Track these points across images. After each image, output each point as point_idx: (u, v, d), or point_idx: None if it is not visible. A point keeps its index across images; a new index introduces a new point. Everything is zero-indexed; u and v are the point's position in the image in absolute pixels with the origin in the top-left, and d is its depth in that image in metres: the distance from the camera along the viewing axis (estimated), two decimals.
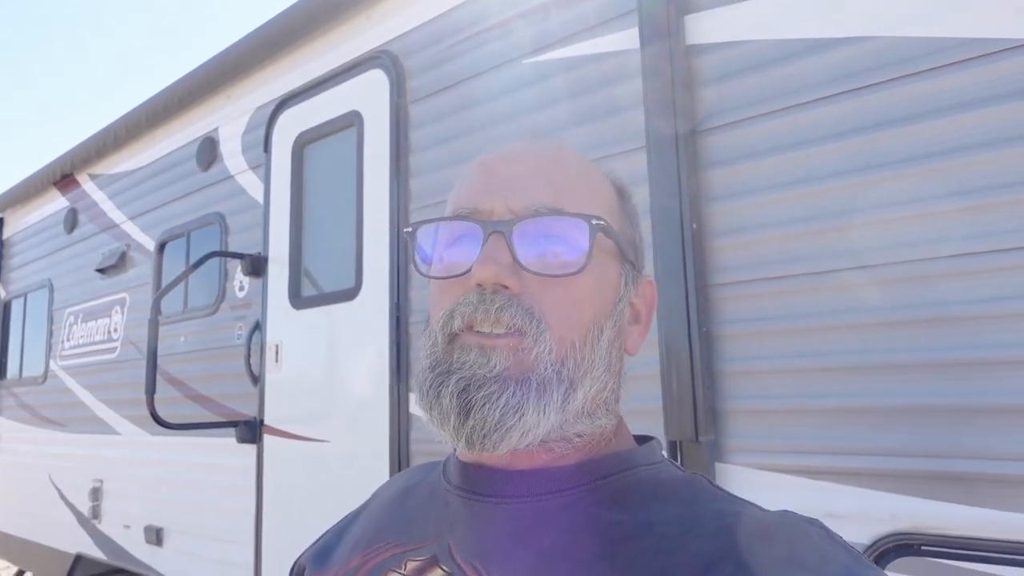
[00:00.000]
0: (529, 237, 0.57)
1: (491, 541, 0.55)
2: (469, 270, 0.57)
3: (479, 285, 0.56)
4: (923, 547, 1.21)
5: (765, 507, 0.55)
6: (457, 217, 0.60)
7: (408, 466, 2.04)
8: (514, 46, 1.94)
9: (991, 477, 1.16)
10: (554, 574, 0.51)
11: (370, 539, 0.64)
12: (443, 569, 0.55)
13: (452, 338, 0.56)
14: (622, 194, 0.66)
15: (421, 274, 0.62)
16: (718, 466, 1.46)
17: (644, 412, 1.56)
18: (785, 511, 0.53)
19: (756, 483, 1.41)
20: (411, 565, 0.58)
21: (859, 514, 1.28)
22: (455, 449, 0.65)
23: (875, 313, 1.30)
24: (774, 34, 1.47)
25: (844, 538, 0.52)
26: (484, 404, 0.52)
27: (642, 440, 0.64)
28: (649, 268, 1.55)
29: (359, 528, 0.68)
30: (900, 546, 1.22)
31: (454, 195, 0.63)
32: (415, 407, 2.05)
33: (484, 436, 0.53)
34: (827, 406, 1.34)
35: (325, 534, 0.72)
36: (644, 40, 1.63)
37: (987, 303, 1.18)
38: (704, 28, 1.57)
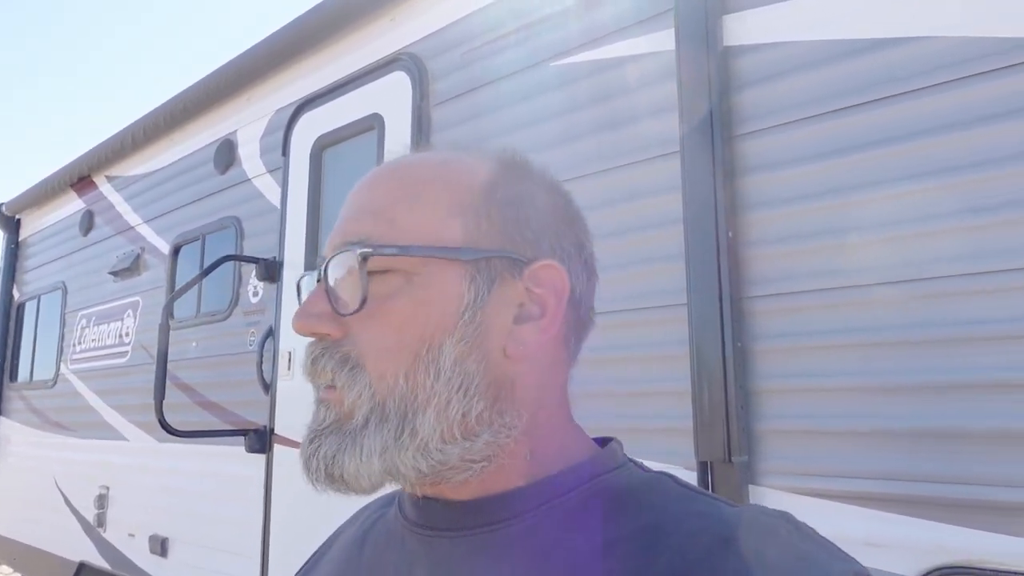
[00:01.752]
0: (332, 278, 0.55)
1: None
2: None
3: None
4: None
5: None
6: (311, 266, 0.58)
7: None
8: (541, 48, 1.88)
9: None
10: None
11: None
12: None
13: (316, 392, 0.57)
14: (504, 178, 0.58)
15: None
16: (751, 488, 1.38)
17: (673, 431, 1.48)
18: (753, 506, 0.53)
19: (793, 508, 1.31)
20: None
21: (904, 544, 1.19)
22: None
23: (922, 329, 1.22)
24: (817, 35, 1.40)
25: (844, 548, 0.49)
26: (314, 455, 0.53)
27: (604, 442, 0.60)
28: (680, 279, 1.48)
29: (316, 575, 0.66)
30: None
31: None
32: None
33: (325, 483, 0.53)
34: (872, 428, 1.26)
35: None
36: (680, 41, 1.57)
37: None
38: (743, 29, 1.51)
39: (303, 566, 0.69)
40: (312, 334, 0.55)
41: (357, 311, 0.53)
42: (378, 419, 0.52)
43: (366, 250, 0.53)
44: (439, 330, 0.53)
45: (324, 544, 0.70)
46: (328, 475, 0.52)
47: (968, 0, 1.23)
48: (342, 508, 2.32)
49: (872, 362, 1.27)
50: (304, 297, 0.59)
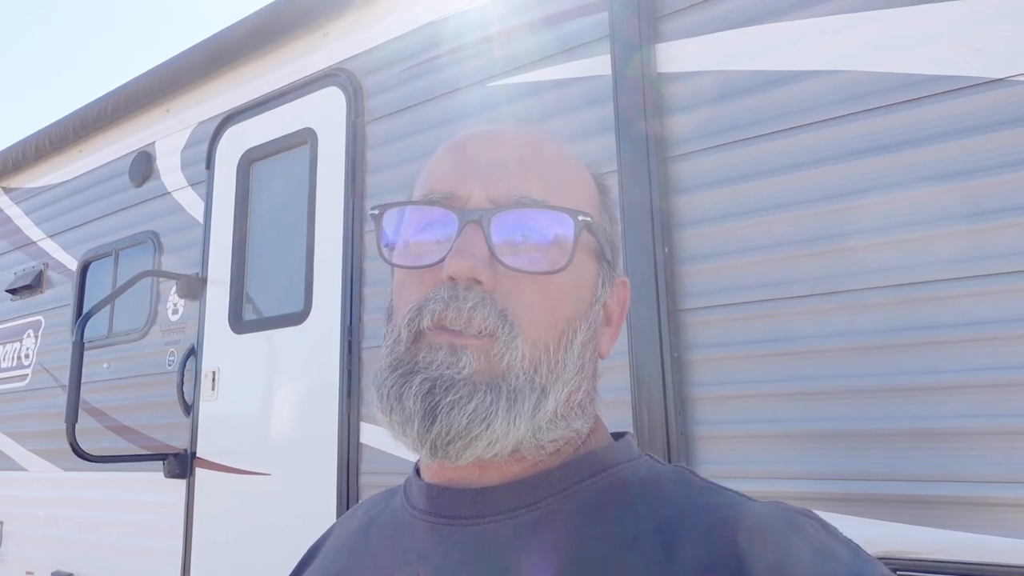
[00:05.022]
0: (508, 229, 0.53)
1: (466, 569, 0.50)
2: (441, 260, 0.52)
3: (451, 278, 0.51)
4: (899, 572, 1.21)
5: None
6: (430, 202, 0.55)
7: (357, 500, 1.93)
8: (480, 68, 1.92)
9: (962, 500, 1.17)
10: None
11: None
12: None
13: (418, 335, 0.52)
14: (602, 188, 0.62)
15: (385, 260, 0.57)
16: None
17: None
18: (777, 502, 0.51)
19: None
20: None
21: None
22: (416, 470, 0.60)
23: (843, 338, 1.31)
24: (742, 65, 1.51)
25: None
26: (452, 408, 0.48)
27: (617, 436, 0.60)
28: None
29: (318, 570, 0.62)
30: None
31: (425, 177, 0.58)
32: (367, 437, 1.96)
33: (448, 443, 0.49)
34: (798, 431, 1.34)
35: None
36: (616, 66, 1.64)
37: (952, 328, 1.21)
38: (675, 57, 1.59)
39: (295, 568, 0.66)
40: (469, 279, 0.51)
41: (549, 273, 0.52)
42: (529, 387, 0.50)
43: (587, 219, 0.54)
44: (578, 314, 0.55)
45: (314, 545, 0.68)
46: (463, 432, 0.48)
47: (876, 38, 1.36)
48: (269, 529, 2.25)
49: (799, 369, 1.35)
50: (393, 230, 0.56)
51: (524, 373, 0.50)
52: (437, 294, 0.51)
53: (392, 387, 0.51)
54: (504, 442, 0.49)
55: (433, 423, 0.48)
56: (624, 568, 0.47)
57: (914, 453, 1.23)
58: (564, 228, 0.53)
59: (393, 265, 0.57)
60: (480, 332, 0.50)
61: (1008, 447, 1.15)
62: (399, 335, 0.53)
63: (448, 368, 0.50)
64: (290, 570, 0.66)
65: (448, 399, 0.48)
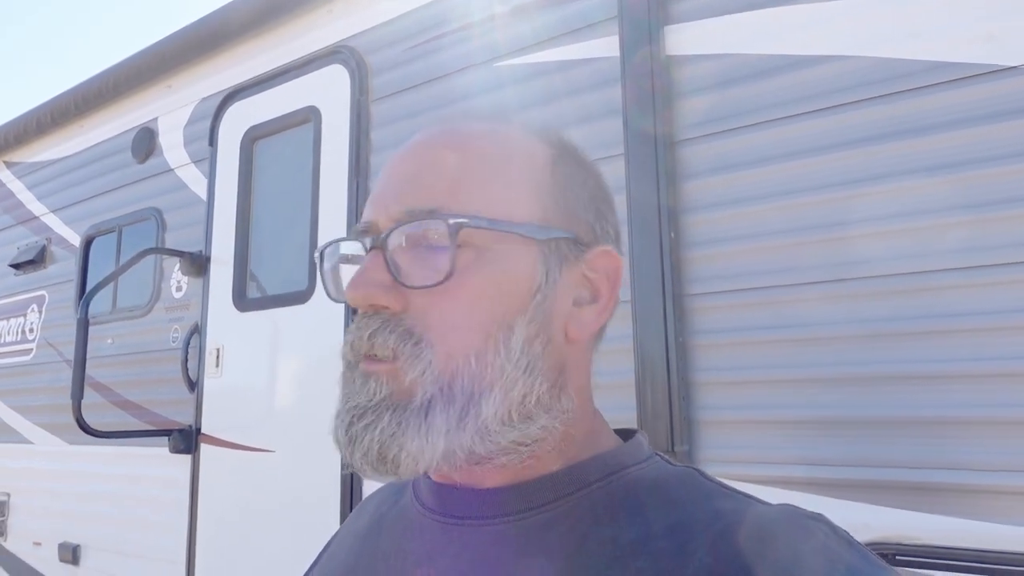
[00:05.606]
0: (403, 248, 0.52)
1: (475, 571, 0.51)
2: None
3: (355, 309, 0.53)
4: (897, 556, 1.22)
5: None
6: (355, 233, 0.55)
7: (360, 479, 1.96)
8: (486, 48, 1.90)
9: (962, 487, 1.19)
10: None
11: None
12: None
13: (348, 367, 0.54)
14: (561, 159, 0.57)
15: (331, 298, 0.60)
16: None
17: (618, 422, 1.53)
18: (786, 506, 0.50)
19: None
20: None
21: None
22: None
23: (848, 326, 1.32)
24: (753, 49, 1.49)
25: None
26: (364, 435, 0.50)
27: (627, 435, 0.59)
28: (626, 276, 1.54)
29: (327, 569, 0.63)
30: None
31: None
32: None
33: (374, 465, 0.50)
34: (801, 417, 1.35)
35: None
36: (624, 48, 1.62)
37: (958, 317, 1.22)
38: (684, 39, 1.58)
39: (309, 568, 0.67)
40: (370, 306, 0.51)
41: (439, 284, 0.50)
42: (445, 399, 0.49)
43: (461, 220, 0.51)
44: (511, 310, 0.52)
45: (327, 545, 0.68)
46: (380, 455, 0.49)
47: (890, 24, 1.34)
48: (273, 505, 2.27)
49: (803, 356, 1.36)
50: (327, 266, 0.57)
51: (435, 386, 0.50)
52: (355, 324, 0.53)
53: (334, 417, 0.53)
54: (430, 455, 0.49)
55: (354, 450, 0.50)
56: (633, 572, 0.47)
57: (916, 441, 1.24)
58: (439, 234, 0.51)
59: (334, 301, 0.59)
60: (387, 356, 0.51)
61: (1009, 436, 1.16)
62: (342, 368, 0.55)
63: (360, 397, 0.51)
64: (293, 544, 0.67)
65: (360, 425, 0.50)
